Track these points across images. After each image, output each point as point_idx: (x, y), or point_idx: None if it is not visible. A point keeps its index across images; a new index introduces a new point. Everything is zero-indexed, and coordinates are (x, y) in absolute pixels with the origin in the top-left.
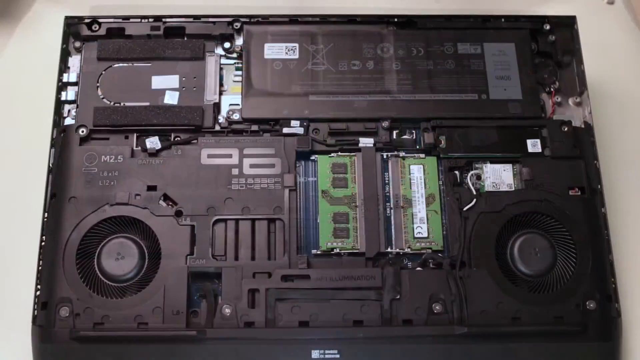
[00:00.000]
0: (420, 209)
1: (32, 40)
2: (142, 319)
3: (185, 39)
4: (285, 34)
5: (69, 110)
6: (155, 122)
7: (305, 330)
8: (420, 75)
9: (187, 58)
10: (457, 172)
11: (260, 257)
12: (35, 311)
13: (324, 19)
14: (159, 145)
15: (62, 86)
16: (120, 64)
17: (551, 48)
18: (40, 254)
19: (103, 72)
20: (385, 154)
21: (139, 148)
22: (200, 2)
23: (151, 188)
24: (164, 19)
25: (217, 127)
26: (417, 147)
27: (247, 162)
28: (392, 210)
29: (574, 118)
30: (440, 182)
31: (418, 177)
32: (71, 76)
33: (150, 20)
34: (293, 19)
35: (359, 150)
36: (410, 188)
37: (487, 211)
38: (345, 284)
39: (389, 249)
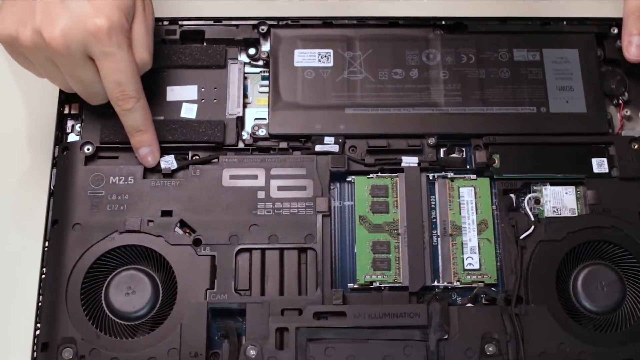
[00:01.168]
0: (471, 237)
1: None
2: None
3: (205, 44)
4: (318, 38)
5: (72, 126)
6: (170, 139)
7: None
8: (470, 85)
9: (206, 66)
10: (512, 195)
11: (290, 291)
12: (35, 353)
13: (362, 22)
14: (174, 165)
15: (64, 98)
16: None
17: (619, 55)
18: (40, 288)
19: None
20: (431, 175)
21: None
22: (221, 3)
23: (166, 213)
24: (180, 22)
25: (241, 145)
26: (468, 167)
27: (274, 184)
28: (439, 239)
29: None
30: (494, 207)
31: (468, 201)
32: None
33: (165, 23)
34: (327, 22)
35: (402, 170)
36: (460, 213)
37: (546, 240)
38: (385, 322)
39: (435, 283)
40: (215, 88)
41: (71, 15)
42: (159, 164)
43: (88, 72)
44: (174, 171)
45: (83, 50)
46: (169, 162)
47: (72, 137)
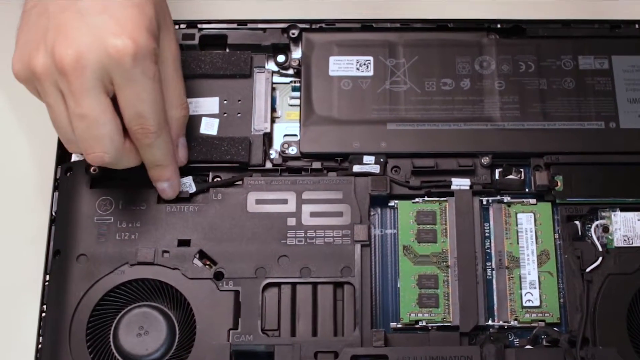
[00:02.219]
0: (530, 270)
1: None
2: None
3: (228, 50)
4: (357, 44)
5: None
6: (188, 158)
7: None
8: (530, 97)
9: (229, 75)
10: (577, 222)
11: (324, 331)
12: None
13: (405, 25)
14: (193, 188)
15: None
16: None
17: None
18: (40, 327)
19: None
20: (485, 199)
21: None
22: (246, 4)
23: (183, 243)
24: (199, 25)
25: (269, 165)
26: (527, 190)
27: (306, 209)
28: (493, 272)
29: None
30: (556, 236)
31: (527, 228)
32: None
33: (183, 26)
34: (366, 25)
35: (452, 194)
36: (518, 243)
37: (616, 273)
38: None
39: (489, 322)
40: (239, 100)
41: (89, 32)
42: None
43: (98, 105)
44: (193, 195)
45: (100, 74)
46: (186, 184)
47: (76, 157)
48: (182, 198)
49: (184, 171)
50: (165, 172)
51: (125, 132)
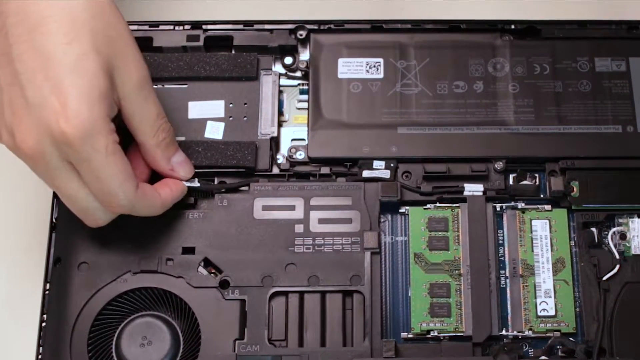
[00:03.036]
0: (545, 279)
1: None
2: None
3: (233, 52)
4: (367, 45)
5: None
6: (193, 163)
7: None
8: (545, 100)
9: (235, 77)
10: (594, 229)
11: (333, 342)
12: None
13: (417, 26)
14: (197, 183)
15: None
16: None
17: None
18: (40, 337)
19: None
20: (498, 206)
21: None
22: (253, 4)
23: (188, 251)
24: (204, 26)
25: (275, 170)
26: (542, 196)
27: (314, 215)
28: (507, 280)
29: None
30: (572, 243)
31: (542, 235)
32: None
33: (187, 27)
34: (376, 26)
35: (464, 200)
36: (532, 251)
37: (634, 281)
38: None
39: (503, 332)
40: (245, 103)
41: (36, 117)
42: None
43: (71, 184)
44: (198, 198)
45: (60, 155)
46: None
47: None
48: (187, 204)
49: None
50: (159, 212)
51: None
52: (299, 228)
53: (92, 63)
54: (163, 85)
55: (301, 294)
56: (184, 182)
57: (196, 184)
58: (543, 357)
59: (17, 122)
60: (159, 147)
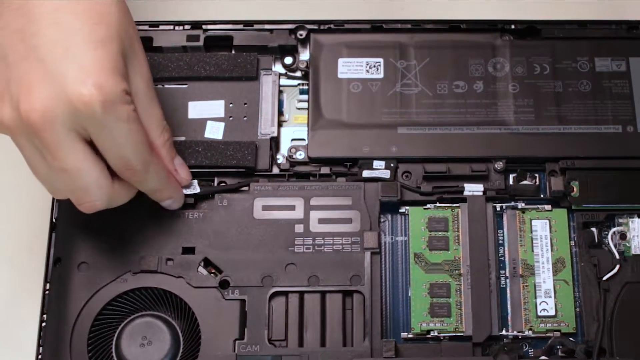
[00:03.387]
0: (545, 279)
1: None
2: None
3: (233, 52)
4: (366, 45)
5: None
6: (192, 163)
7: None
8: (545, 100)
9: (235, 77)
10: (594, 229)
11: (333, 342)
12: None
13: (417, 26)
14: (197, 189)
15: None
16: None
17: None
18: (39, 338)
19: None
20: (498, 206)
21: None
22: (253, 4)
23: (188, 250)
24: (204, 26)
25: (275, 170)
26: (542, 196)
27: (314, 215)
28: (507, 280)
29: None
30: (572, 243)
31: (542, 235)
32: None
33: (187, 27)
34: (376, 26)
35: (464, 200)
36: (532, 251)
37: (634, 281)
38: None
39: (503, 332)
40: (245, 103)
41: (53, 83)
42: None
43: (76, 156)
44: (198, 198)
45: (71, 125)
46: (191, 188)
47: None
48: (187, 204)
49: None
50: (165, 194)
51: (113, 172)
52: (299, 228)
53: (116, 46)
54: (163, 85)
55: (301, 294)
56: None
57: (197, 189)
58: (543, 357)
59: (25, 92)
60: (164, 146)
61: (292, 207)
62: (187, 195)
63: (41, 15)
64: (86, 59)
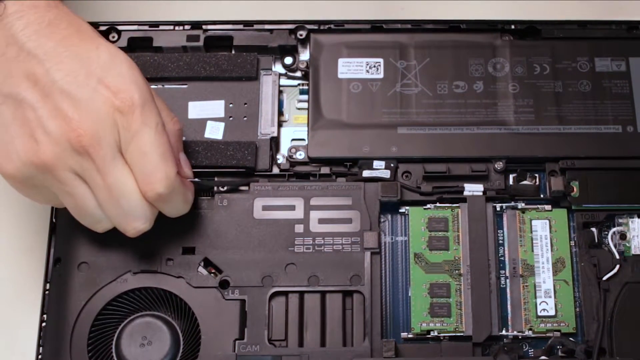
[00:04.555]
0: (545, 279)
1: None
2: None
3: (233, 52)
4: (366, 45)
5: None
6: (192, 163)
7: None
8: (545, 100)
9: (235, 77)
10: (594, 229)
11: (333, 342)
12: None
13: (417, 26)
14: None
15: None
16: None
17: None
18: (40, 337)
19: None
20: (498, 206)
21: None
22: (253, 4)
23: (188, 251)
24: (204, 26)
25: (275, 170)
26: (542, 196)
27: (314, 215)
28: (507, 280)
29: None
30: (572, 243)
31: (542, 235)
32: None
33: (187, 27)
34: (376, 26)
35: (464, 200)
36: (532, 251)
37: (634, 281)
38: None
39: (503, 332)
40: (245, 104)
41: (88, 101)
42: None
43: (122, 172)
44: (197, 195)
45: (114, 137)
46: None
47: None
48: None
49: None
50: (186, 209)
51: None
52: (299, 228)
53: (123, 57)
54: (163, 85)
55: (301, 294)
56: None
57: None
58: (543, 357)
59: (66, 123)
60: (174, 136)
61: (292, 207)
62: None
63: (46, 55)
64: (108, 76)
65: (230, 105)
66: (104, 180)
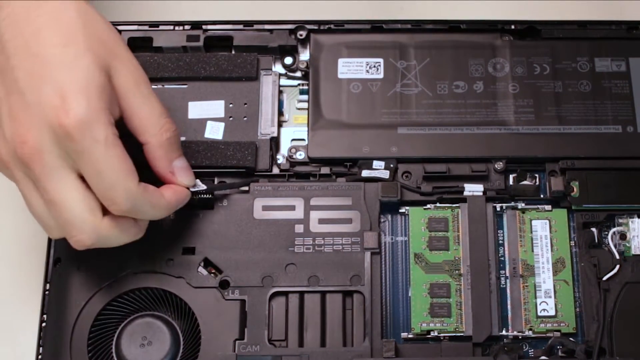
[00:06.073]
0: (545, 279)
1: None
2: None
3: (233, 52)
4: (366, 45)
5: None
6: (192, 163)
7: None
8: (545, 100)
9: (235, 78)
10: (594, 229)
11: (333, 342)
12: None
13: (417, 26)
14: (203, 186)
15: None
16: None
17: None
18: (40, 338)
19: None
20: (499, 206)
21: None
22: (253, 4)
23: (188, 251)
24: (204, 26)
25: (276, 170)
26: (542, 196)
27: (315, 216)
28: (507, 280)
29: None
30: (572, 243)
31: (542, 236)
32: None
33: (187, 27)
34: (376, 26)
35: (464, 200)
36: (532, 251)
37: (634, 281)
38: None
39: (503, 332)
40: (245, 104)
41: (36, 113)
42: None
43: (64, 187)
44: (206, 195)
45: (59, 153)
46: (196, 185)
47: None
48: (187, 204)
49: None
50: (170, 207)
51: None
52: (299, 228)
53: (87, 60)
54: (163, 85)
55: (301, 294)
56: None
57: (202, 186)
58: (543, 357)
59: (14, 127)
60: (161, 146)
61: (292, 207)
62: (194, 194)
63: (16, 50)
64: (61, 83)
65: (230, 105)
66: (44, 192)
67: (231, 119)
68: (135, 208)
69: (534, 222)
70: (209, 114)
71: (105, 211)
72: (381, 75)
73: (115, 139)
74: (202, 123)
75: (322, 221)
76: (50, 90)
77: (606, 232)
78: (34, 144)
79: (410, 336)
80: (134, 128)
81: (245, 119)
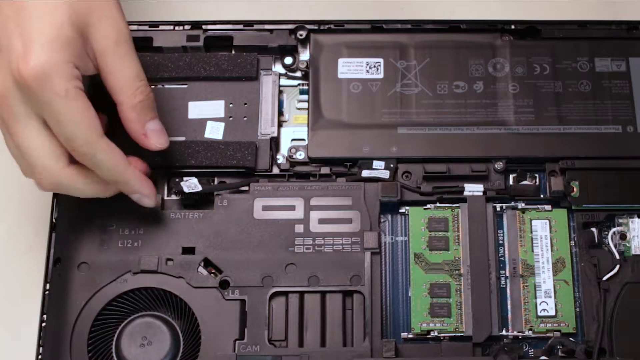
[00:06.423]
0: (545, 279)
1: None
2: None
3: (233, 52)
4: (367, 45)
5: None
6: (192, 163)
7: None
8: (545, 100)
9: (235, 78)
10: (594, 229)
11: (333, 342)
12: None
13: (417, 26)
14: (199, 187)
15: None
16: None
17: None
18: (40, 338)
19: None
20: (499, 206)
21: (172, 197)
22: (253, 4)
23: (188, 251)
24: (204, 26)
25: (276, 170)
26: (542, 196)
27: (315, 216)
28: (507, 280)
29: None
30: (572, 243)
31: (542, 236)
32: None
33: (187, 27)
34: (376, 26)
35: (464, 200)
36: (532, 251)
37: (634, 281)
38: None
39: (503, 332)
40: (245, 104)
41: (4, 59)
42: (180, 187)
43: (29, 132)
44: (201, 196)
45: (25, 100)
46: (191, 185)
47: None
48: (187, 205)
49: (187, 175)
50: (126, 187)
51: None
52: (299, 228)
53: (61, 14)
54: (163, 85)
55: (301, 294)
56: (185, 189)
57: (198, 187)
58: (543, 357)
59: None
60: (135, 108)
61: (292, 207)
62: (189, 195)
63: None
64: (29, 31)
65: (230, 105)
66: (10, 135)
67: (231, 119)
68: (93, 160)
69: (534, 222)
70: (209, 114)
71: (73, 160)
72: (381, 75)
73: (76, 92)
74: (202, 123)
75: (322, 221)
76: (18, 37)
77: (606, 232)
78: (1, 89)
79: (410, 336)
80: (109, 87)
81: (245, 119)
